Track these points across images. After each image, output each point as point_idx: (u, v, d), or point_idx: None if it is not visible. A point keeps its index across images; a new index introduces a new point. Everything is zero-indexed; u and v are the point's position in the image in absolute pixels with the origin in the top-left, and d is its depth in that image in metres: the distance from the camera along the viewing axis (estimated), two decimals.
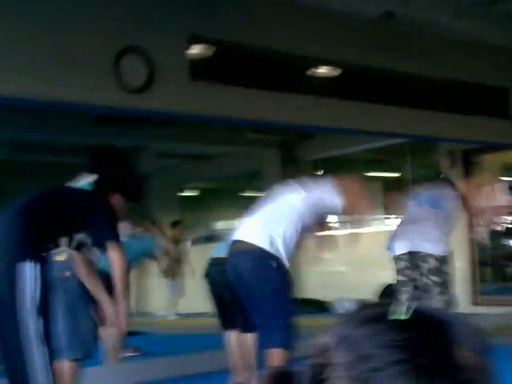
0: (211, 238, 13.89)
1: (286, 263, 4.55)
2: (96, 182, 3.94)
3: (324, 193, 4.65)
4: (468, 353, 0.81)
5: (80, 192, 3.89)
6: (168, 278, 11.34)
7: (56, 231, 3.68)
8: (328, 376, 0.81)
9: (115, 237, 3.80)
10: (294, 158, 11.76)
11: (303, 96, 7.21)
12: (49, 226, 3.65)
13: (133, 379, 5.72)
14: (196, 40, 6.52)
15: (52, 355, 3.57)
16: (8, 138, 9.56)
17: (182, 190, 14.29)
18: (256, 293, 4.54)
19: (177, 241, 11.42)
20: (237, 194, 15.01)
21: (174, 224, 11.68)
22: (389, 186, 12.89)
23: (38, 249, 3.54)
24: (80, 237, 3.73)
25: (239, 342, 5.42)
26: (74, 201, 3.82)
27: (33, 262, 3.45)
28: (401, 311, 0.83)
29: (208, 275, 5.60)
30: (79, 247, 3.81)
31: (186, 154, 12.37)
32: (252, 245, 4.51)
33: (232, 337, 5.47)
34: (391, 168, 13.32)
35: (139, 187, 4.26)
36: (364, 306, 0.88)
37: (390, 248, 5.54)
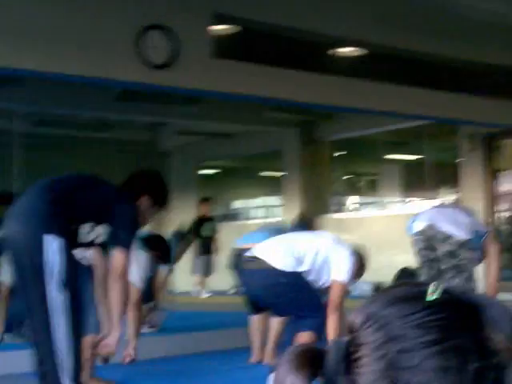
0: (230, 216, 13.96)
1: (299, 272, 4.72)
2: (126, 183, 3.95)
3: (337, 263, 4.82)
4: (500, 336, 0.79)
5: (112, 186, 3.89)
6: (198, 256, 11.09)
7: (81, 215, 3.69)
8: (356, 355, 0.80)
9: (127, 243, 3.71)
10: (313, 138, 11.77)
11: (325, 76, 7.21)
12: (74, 207, 3.67)
13: (149, 355, 5.78)
14: (220, 18, 6.54)
15: (80, 329, 3.62)
16: (31, 112, 9.64)
17: (201, 168, 14.35)
18: (276, 305, 4.81)
19: (206, 218, 11.14)
20: (256, 173, 15.05)
21: (203, 201, 11.30)
22: (407, 168, 12.87)
23: (63, 225, 3.57)
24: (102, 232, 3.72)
25: (263, 323, 5.52)
26: (104, 192, 3.81)
27: (57, 236, 3.48)
28: (431, 291, 0.81)
29: (234, 265, 5.75)
30: (103, 246, 3.83)
31: (206, 131, 12.41)
32: (264, 263, 4.73)
33: (256, 317, 5.56)
34: (410, 150, 13.28)
35: (167, 192, 4.27)
36: (392, 285, 0.86)
37: (409, 227, 5.54)
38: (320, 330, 4.66)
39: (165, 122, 11.87)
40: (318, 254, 4.80)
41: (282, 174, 12.60)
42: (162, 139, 12.84)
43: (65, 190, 3.70)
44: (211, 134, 12.62)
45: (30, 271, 3.47)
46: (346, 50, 7.48)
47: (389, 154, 13.28)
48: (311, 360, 0.81)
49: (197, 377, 5.34)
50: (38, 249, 3.44)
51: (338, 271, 4.79)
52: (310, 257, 4.78)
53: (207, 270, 11.12)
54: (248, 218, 13.93)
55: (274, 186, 13.33)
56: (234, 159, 14.54)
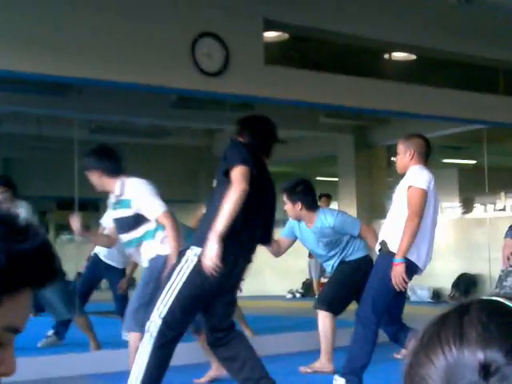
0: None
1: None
2: None
3: None
4: None
5: None
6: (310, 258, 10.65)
7: None
8: None
9: None
10: (368, 143, 11.72)
11: (377, 80, 7.21)
12: None
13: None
14: (270, 25, 6.61)
15: None
16: (87, 120, 9.85)
17: None
18: None
19: None
20: (311, 178, 15.02)
21: (322, 196, 10.67)
22: (464, 172, 12.72)
23: None
24: None
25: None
26: None
27: None
28: None
29: None
30: None
31: None
32: None
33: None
34: (467, 155, 13.10)
35: None
36: None
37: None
38: None
39: (221, 128, 11.98)
40: None
41: (337, 179, 12.57)
42: (217, 145, 12.96)
43: None
44: None
45: None
46: (400, 55, 7.46)
47: (445, 158, 13.12)
48: None
49: None
50: None
51: None
52: None
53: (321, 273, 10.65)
54: None
55: (330, 192, 13.31)
56: (289, 164, 14.57)
